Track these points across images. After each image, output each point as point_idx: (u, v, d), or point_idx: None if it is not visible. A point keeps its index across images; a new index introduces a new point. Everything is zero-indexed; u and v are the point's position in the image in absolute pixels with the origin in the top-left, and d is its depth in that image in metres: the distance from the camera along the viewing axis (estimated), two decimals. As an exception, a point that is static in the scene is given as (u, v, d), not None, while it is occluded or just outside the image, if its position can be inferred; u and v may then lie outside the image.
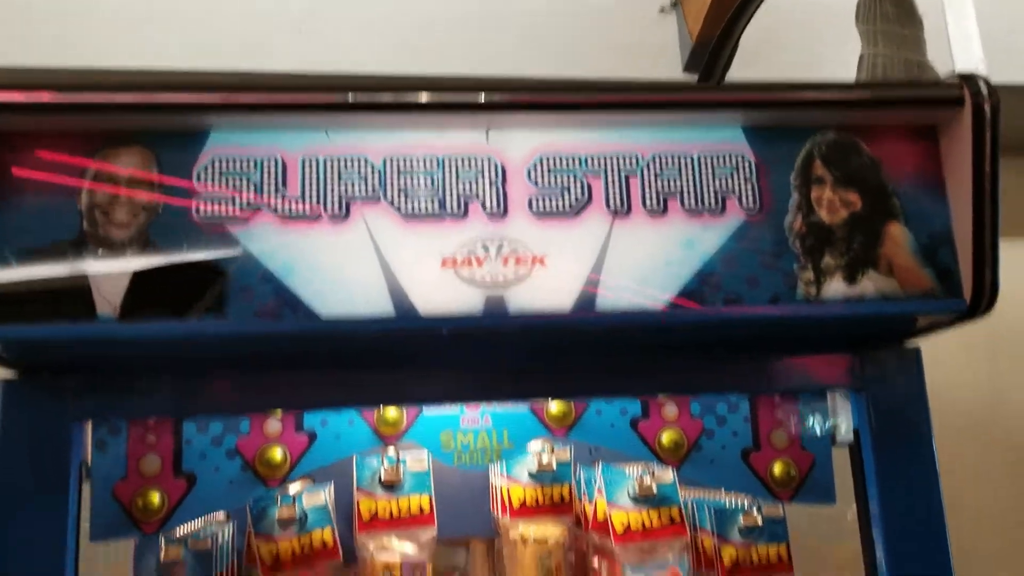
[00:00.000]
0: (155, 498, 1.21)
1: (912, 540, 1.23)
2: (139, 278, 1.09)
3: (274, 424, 1.27)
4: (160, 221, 1.10)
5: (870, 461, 1.24)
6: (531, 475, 1.38)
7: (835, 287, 1.18)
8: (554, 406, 1.30)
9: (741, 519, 1.35)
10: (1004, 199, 1.17)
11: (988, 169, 1.18)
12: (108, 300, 1.09)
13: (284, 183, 1.12)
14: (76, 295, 1.08)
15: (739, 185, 1.18)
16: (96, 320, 1.07)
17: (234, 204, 1.11)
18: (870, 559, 1.24)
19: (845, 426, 1.29)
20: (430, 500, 1.35)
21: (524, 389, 1.27)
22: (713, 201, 1.17)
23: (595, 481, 1.36)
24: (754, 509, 1.36)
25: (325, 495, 1.35)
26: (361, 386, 1.24)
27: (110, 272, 1.09)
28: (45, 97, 1.08)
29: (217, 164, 1.12)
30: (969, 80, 1.19)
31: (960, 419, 2.59)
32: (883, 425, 1.25)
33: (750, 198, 1.18)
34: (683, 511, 1.35)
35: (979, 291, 1.18)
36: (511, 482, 1.39)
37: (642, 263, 1.15)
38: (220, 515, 1.40)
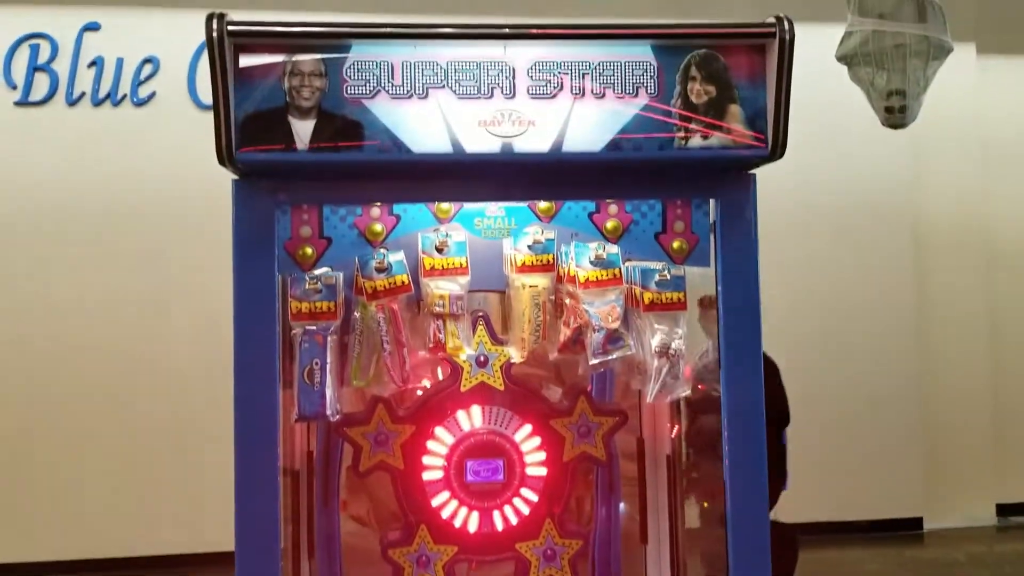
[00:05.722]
0: (308, 251, 2.12)
1: (735, 285, 2.15)
2: (317, 127, 1.99)
3: (376, 210, 2.21)
4: (327, 96, 2.00)
5: (719, 237, 2.17)
6: (528, 246, 2.26)
7: (696, 141, 2.09)
8: (542, 204, 2.24)
9: (656, 275, 2.24)
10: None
11: (786, 72, 2.06)
12: (301, 138, 1.99)
13: (392, 76, 2.03)
14: (283, 135, 1.97)
15: (646, 80, 2.09)
16: (296, 150, 1.97)
17: (365, 88, 2.02)
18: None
19: (712, 217, 2.21)
20: (466, 259, 2.24)
21: (523, 194, 2.22)
22: (631, 89, 2.08)
23: (569, 251, 2.26)
24: (666, 270, 2.25)
25: (403, 254, 2.23)
26: (429, 190, 2.17)
27: (302, 124, 1.99)
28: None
29: (356, 65, 2.02)
30: (780, 21, 2.04)
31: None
32: (727, 218, 2.17)
33: (653, 88, 2.08)
34: (622, 270, 2.25)
35: (775, 145, 2.07)
36: (516, 251, 2.28)
37: (588, 125, 2.05)
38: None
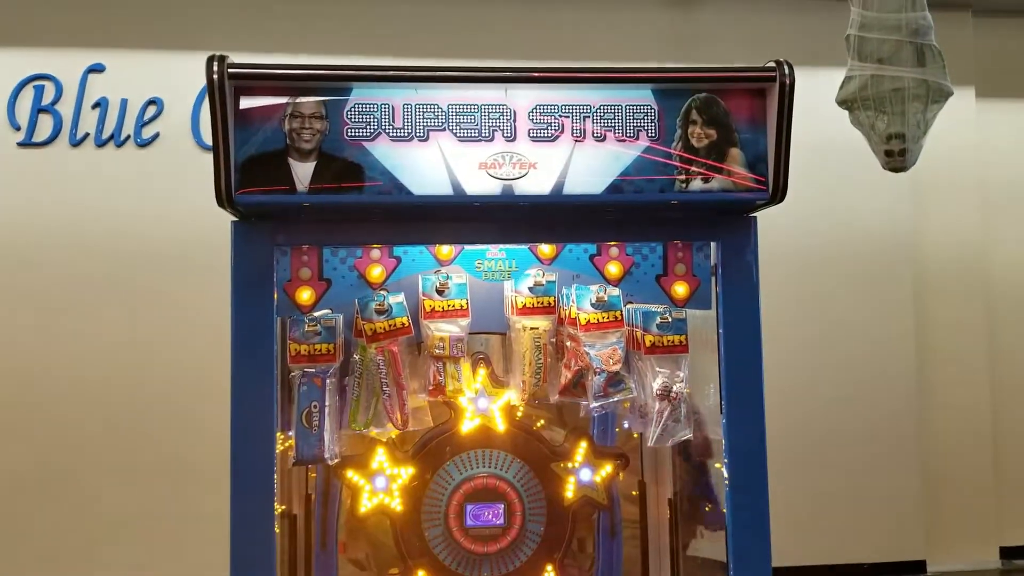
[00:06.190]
0: (308, 293, 2.14)
1: (738, 330, 2.14)
2: (317, 169, 1.99)
3: (376, 252, 2.21)
4: (327, 138, 2.01)
5: (720, 280, 2.16)
6: (530, 289, 2.26)
7: (696, 184, 2.09)
8: (545, 247, 2.23)
9: (658, 318, 2.22)
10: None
11: (786, 116, 2.08)
12: (301, 180, 1.99)
13: (393, 119, 2.03)
14: (283, 177, 1.97)
15: (647, 123, 2.09)
16: (296, 192, 1.97)
17: (366, 130, 2.02)
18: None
19: (713, 260, 2.21)
20: (467, 301, 2.24)
21: (525, 237, 2.22)
22: (631, 132, 2.09)
23: (570, 294, 2.25)
24: (667, 312, 2.24)
25: (403, 296, 2.22)
26: (429, 232, 2.16)
27: (302, 166, 1.99)
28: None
29: (357, 107, 2.03)
30: (780, 65, 2.07)
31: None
32: (728, 261, 2.16)
33: (653, 131, 2.09)
34: (623, 313, 2.23)
35: (776, 188, 2.08)
36: (517, 293, 2.27)
37: (589, 167, 2.06)
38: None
